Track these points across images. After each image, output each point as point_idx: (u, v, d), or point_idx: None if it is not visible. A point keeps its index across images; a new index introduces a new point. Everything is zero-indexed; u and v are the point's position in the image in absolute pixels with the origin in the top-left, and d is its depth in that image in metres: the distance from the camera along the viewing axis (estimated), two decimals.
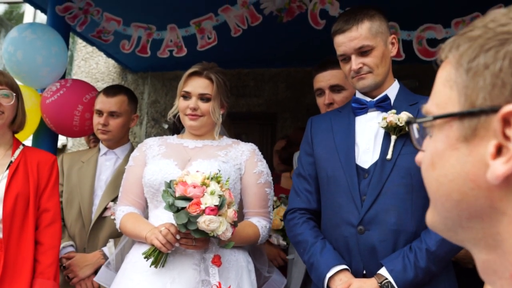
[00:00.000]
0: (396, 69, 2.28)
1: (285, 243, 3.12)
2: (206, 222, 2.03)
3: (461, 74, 0.67)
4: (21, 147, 2.70)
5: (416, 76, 4.44)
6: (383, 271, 1.97)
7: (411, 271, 1.92)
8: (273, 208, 3.11)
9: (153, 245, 2.21)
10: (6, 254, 2.48)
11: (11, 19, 6.63)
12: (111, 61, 5.72)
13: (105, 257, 2.87)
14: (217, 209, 2.06)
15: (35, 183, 2.62)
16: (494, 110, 0.62)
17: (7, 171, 2.58)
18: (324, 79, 2.68)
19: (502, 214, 0.63)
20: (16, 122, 2.66)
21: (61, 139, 4.65)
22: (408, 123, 0.76)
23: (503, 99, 0.62)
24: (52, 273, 2.57)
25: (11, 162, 2.61)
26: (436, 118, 0.69)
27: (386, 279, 1.95)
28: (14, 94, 2.61)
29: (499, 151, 0.62)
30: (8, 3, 6.45)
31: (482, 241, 0.67)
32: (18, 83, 3.54)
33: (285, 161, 3.85)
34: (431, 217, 0.74)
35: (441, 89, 0.70)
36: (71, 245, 3.00)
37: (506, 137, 0.61)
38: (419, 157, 0.74)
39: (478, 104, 0.64)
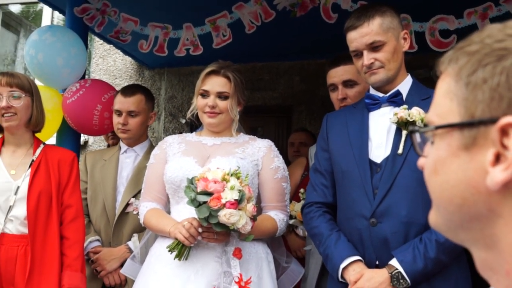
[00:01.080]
0: (409, 59, 2.30)
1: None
2: (226, 216, 2.10)
3: (460, 87, 0.71)
4: (41, 146, 2.76)
5: (429, 65, 4.45)
6: (393, 262, 2.01)
7: (420, 262, 1.96)
8: (300, 200, 3.17)
9: (176, 239, 2.27)
10: (33, 249, 2.55)
11: (28, 17, 6.72)
12: (128, 58, 5.79)
13: (130, 251, 2.95)
14: (237, 203, 2.12)
15: (57, 180, 2.68)
16: (492, 121, 0.66)
17: (29, 170, 2.65)
18: (337, 74, 2.71)
19: (498, 216, 0.68)
20: (32, 122, 2.71)
21: (83, 136, 4.74)
22: (411, 132, 0.80)
23: (500, 111, 0.66)
24: (79, 265, 2.64)
25: (32, 160, 2.67)
26: (437, 128, 0.73)
27: (397, 269, 1.98)
28: (24, 94, 2.65)
29: (497, 159, 0.66)
30: (26, 3, 6.53)
31: (480, 241, 0.71)
32: (40, 84, 3.64)
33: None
34: (434, 219, 0.78)
35: (442, 100, 0.74)
36: (97, 240, 3.09)
37: (504, 146, 0.65)
38: (421, 162, 0.78)
39: (478, 115, 0.68)
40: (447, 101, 0.73)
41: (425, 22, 3.25)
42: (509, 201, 0.66)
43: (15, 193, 2.60)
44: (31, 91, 2.71)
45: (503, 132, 0.65)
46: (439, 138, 0.74)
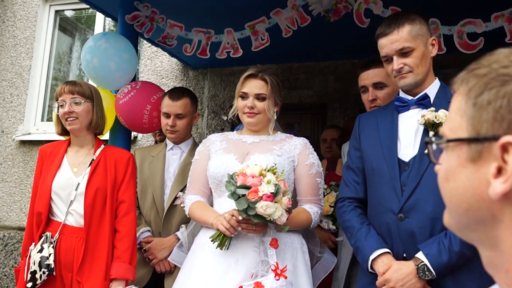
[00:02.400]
0: (439, 59, 2.28)
1: (334, 227, 3.19)
2: (263, 207, 2.15)
3: (469, 106, 0.75)
4: (102, 146, 2.87)
5: (458, 65, 4.39)
6: (419, 255, 2.02)
7: (445, 255, 1.97)
8: (324, 195, 3.21)
9: (218, 229, 2.33)
10: (86, 241, 2.66)
11: (80, 19, 6.88)
12: (174, 60, 5.89)
13: (179, 240, 2.99)
14: (273, 196, 2.17)
15: (113, 178, 2.78)
16: (495, 138, 0.70)
17: (89, 168, 2.76)
18: (368, 77, 2.74)
19: (499, 221, 0.72)
20: (92, 125, 2.82)
21: (133, 132, 4.85)
22: (426, 143, 0.84)
23: (502, 130, 0.70)
24: (127, 257, 2.71)
25: (92, 160, 2.79)
26: (449, 141, 0.78)
27: (423, 262, 2.00)
28: (85, 100, 2.77)
29: (499, 171, 0.70)
30: (80, 9, 6.70)
31: (485, 242, 0.76)
32: (95, 85, 3.76)
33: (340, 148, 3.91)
34: (447, 219, 0.83)
35: (454, 116, 0.78)
36: (148, 230, 3.18)
37: (504, 161, 0.69)
38: (437, 168, 0.83)
39: (482, 133, 0.72)
40: (458, 117, 0.77)
41: (453, 25, 3.21)
42: (508, 208, 0.71)
43: (76, 189, 2.71)
44: (92, 97, 2.83)
45: (504, 148, 0.69)
46: (451, 150, 0.78)
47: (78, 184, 2.72)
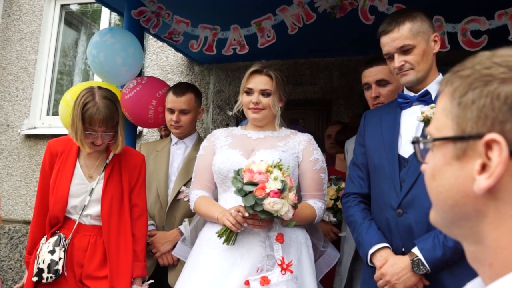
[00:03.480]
0: (443, 55, 2.30)
1: (335, 219, 3.24)
2: (271, 204, 2.18)
3: (454, 106, 0.78)
4: None
5: (462, 61, 4.41)
6: (415, 250, 2.06)
7: (439, 250, 2.00)
8: None
9: (224, 225, 2.37)
10: (108, 244, 2.69)
11: (86, 13, 6.91)
12: (179, 55, 5.91)
13: (182, 234, 3.06)
14: (280, 193, 2.20)
15: (128, 182, 2.79)
16: (479, 136, 0.74)
17: (103, 173, 2.76)
18: (371, 74, 2.77)
19: (484, 216, 0.76)
20: (116, 143, 2.72)
21: (138, 127, 4.88)
22: (413, 142, 0.87)
23: (485, 128, 0.74)
24: (143, 257, 2.78)
25: (106, 164, 2.78)
26: (435, 140, 0.81)
27: (417, 256, 2.04)
28: (114, 132, 2.67)
29: (483, 168, 0.74)
30: (85, 3, 6.74)
31: (469, 237, 0.79)
32: (100, 81, 3.79)
33: (339, 143, 3.94)
34: (433, 216, 0.86)
35: (440, 116, 0.82)
36: (152, 224, 3.22)
37: (488, 158, 0.73)
38: (423, 167, 0.87)
39: (467, 131, 0.76)
40: (443, 117, 0.81)
41: (457, 23, 3.24)
42: (492, 203, 0.74)
43: (90, 194, 2.72)
44: (119, 120, 2.71)
45: (488, 146, 0.73)
46: (437, 149, 0.82)
47: (92, 189, 2.73)
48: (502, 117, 0.73)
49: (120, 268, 2.70)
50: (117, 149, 2.74)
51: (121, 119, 2.73)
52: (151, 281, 2.78)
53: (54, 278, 2.60)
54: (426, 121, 2.14)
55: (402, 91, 2.35)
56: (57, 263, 2.60)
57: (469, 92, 0.77)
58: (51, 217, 2.71)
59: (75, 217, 2.73)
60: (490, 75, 0.76)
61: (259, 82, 2.61)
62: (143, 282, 2.78)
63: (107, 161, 2.79)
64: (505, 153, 0.72)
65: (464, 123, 0.77)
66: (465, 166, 0.76)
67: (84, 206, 2.72)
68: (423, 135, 2.06)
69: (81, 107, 2.59)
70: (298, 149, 2.62)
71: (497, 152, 0.72)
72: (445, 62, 2.31)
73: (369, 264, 2.20)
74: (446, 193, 0.79)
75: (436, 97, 2.21)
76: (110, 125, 2.64)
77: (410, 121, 2.25)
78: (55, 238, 2.68)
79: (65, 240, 2.67)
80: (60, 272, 2.61)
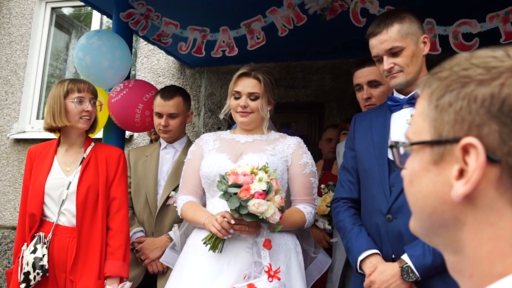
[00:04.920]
0: (435, 58, 2.26)
1: (330, 227, 3.19)
2: (255, 205, 2.14)
3: (431, 109, 0.75)
4: (92, 144, 2.86)
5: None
6: (404, 257, 2.03)
7: (429, 257, 1.97)
8: (321, 195, 3.21)
9: (210, 231, 2.33)
10: (79, 239, 2.65)
11: (79, 17, 6.87)
12: (170, 58, 5.88)
13: (171, 241, 3.00)
14: (265, 194, 2.17)
15: (104, 176, 2.77)
16: (456, 140, 0.71)
17: (80, 166, 2.75)
18: (362, 75, 2.74)
19: (463, 224, 0.72)
20: (94, 125, 2.88)
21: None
22: (391, 147, 0.84)
23: (462, 132, 0.70)
24: (121, 254, 2.70)
25: (83, 158, 2.78)
26: (412, 144, 0.78)
27: (407, 263, 2.01)
28: (97, 103, 2.84)
29: (461, 174, 0.70)
30: (76, 6, 6.70)
31: (449, 246, 0.76)
32: None
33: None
34: (412, 224, 0.83)
35: (417, 120, 0.78)
36: (141, 231, 3.18)
37: (466, 162, 0.70)
38: (402, 173, 0.83)
39: (444, 135, 0.73)
40: (421, 120, 0.77)
41: (449, 26, 3.22)
42: (471, 210, 0.71)
43: (67, 188, 2.71)
44: (95, 104, 2.87)
45: (465, 150, 0.70)
46: (415, 153, 0.78)
47: (70, 183, 2.72)
48: (479, 120, 0.69)
49: (86, 265, 2.65)
50: (92, 128, 2.87)
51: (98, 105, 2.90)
52: (129, 283, 2.70)
53: (41, 274, 2.57)
54: None
55: (392, 93, 2.31)
56: (41, 259, 2.59)
57: (446, 95, 0.73)
58: (29, 216, 2.69)
59: (52, 218, 2.70)
60: (467, 76, 0.72)
61: (247, 85, 2.58)
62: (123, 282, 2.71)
63: (84, 155, 2.80)
64: (482, 158, 0.68)
65: (441, 126, 0.73)
66: (442, 171, 0.73)
67: (63, 201, 2.69)
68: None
69: (66, 84, 2.77)
70: (287, 152, 2.58)
71: (474, 157, 0.69)
72: (436, 65, 2.26)
73: (359, 271, 2.17)
74: (423, 200, 0.76)
75: None
76: (95, 94, 2.82)
77: (400, 124, 2.21)
78: (35, 239, 2.65)
79: (45, 238, 2.65)
80: (47, 267, 2.58)
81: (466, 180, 0.69)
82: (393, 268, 2.04)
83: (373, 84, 2.71)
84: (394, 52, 2.16)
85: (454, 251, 0.75)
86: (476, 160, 0.68)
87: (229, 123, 5.26)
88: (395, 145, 0.83)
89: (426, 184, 0.75)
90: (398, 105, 2.24)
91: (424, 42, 2.21)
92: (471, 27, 3.18)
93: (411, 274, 2.00)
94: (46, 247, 2.62)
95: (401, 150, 0.83)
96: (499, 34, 3.13)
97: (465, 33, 3.20)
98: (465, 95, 0.71)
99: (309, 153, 2.65)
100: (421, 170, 0.76)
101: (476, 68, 0.72)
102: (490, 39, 3.05)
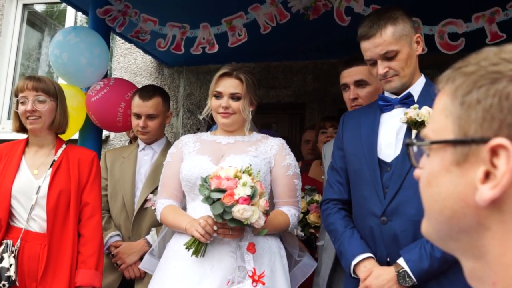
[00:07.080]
0: (419, 59, 2.25)
1: (303, 233, 3.17)
2: (240, 211, 2.09)
3: (456, 105, 0.71)
4: (64, 146, 2.76)
5: (438, 66, 4.40)
6: (400, 261, 1.99)
7: (426, 261, 1.94)
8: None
9: (193, 236, 2.27)
10: (49, 248, 2.55)
11: (52, 15, 6.74)
12: (148, 57, 5.80)
13: (149, 245, 2.96)
14: (250, 199, 2.12)
15: (76, 179, 2.67)
16: (483, 141, 0.67)
17: (50, 170, 2.64)
18: (349, 75, 2.69)
19: (486, 229, 0.68)
20: (55, 125, 2.71)
21: (104, 131, 4.75)
22: (408, 145, 0.80)
23: (492, 132, 0.66)
24: (93, 263, 2.62)
25: (54, 161, 2.67)
26: (432, 143, 0.74)
27: (403, 268, 1.97)
28: (49, 99, 2.67)
29: (487, 176, 0.66)
30: (50, 3, 6.57)
31: (469, 252, 0.72)
32: (64, 83, 3.65)
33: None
34: (426, 227, 0.78)
35: (438, 117, 0.74)
36: (118, 235, 3.10)
37: (493, 165, 0.66)
38: (417, 173, 0.79)
39: (470, 134, 0.69)
40: (442, 117, 0.73)
41: (434, 25, 3.23)
42: (496, 215, 0.67)
43: (37, 192, 2.60)
44: (56, 95, 2.72)
45: (493, 152, 0.66)
46: (434, 153, 0.74)
47: (39, 187, 2.61)
48: (511, 119, 0.65)
49: (56, 274, 2.56)
50: (59, 129, 2.75)
51: (63, 102, 2.76)
52: None
53: (7, 286, 2.46)
54: (410, 123, 2.06)
55: (383, 92, 2.27)
56: (8, 269, 2.48)
57: (474, 91, 0.69)
58: None
59: (21, 224, 2.59)
60: (498, 72, 0.68)
61: (229, 85, 2.54)
62: None
63: (55, 158, 2.69)
64: None
65: (467, 125, 0.69)
66: (466, 173, 0.69)
67: (32, 206, 2.59)
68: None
69: (18, 83, 2.68)
70: (270, 154, 2.54)
71: (504, 159, 0.65)
72: (421, 66, 2.26)
73: (352, 275, 2.12)
74: (442, 202, 0.72)
75: (420, 98, 2.15)
76: (41, 89, 2.64)
77: (390, 123, 2.17)
78: (2, 247, 2.54)
79: (13, 246, 2.54)
80: (14, 278, 2.48)
81: (495, 183, 0.65)
82: (389, 272, 2.00)
83: (360, 84, 2.67)
84: (389, 56, 2.11)
85: (474, 257, 0.71)
86: (506, 163, 0.64)
87: (209, 124, 5.20)
88: (411, 143, 0.79)
89: (447, 186, 0.71)
90: (389, 105, 2.20)
91: (417, 42, 2.17)
92: (457, 27, 3.19)
93: (407, 279, 1.97)
94: (14, 256, 2.51)
95: (415, 149, 0.78)
96: (485, 34, 3.14)
97: (450, 32, 3.21)
98: (496, 92, 0.67)
99: (292, 154, 2.62)
100: (441, 170, 0.72)
101: (507, 63, 0.68)
102: (475, 39, 3.06)
